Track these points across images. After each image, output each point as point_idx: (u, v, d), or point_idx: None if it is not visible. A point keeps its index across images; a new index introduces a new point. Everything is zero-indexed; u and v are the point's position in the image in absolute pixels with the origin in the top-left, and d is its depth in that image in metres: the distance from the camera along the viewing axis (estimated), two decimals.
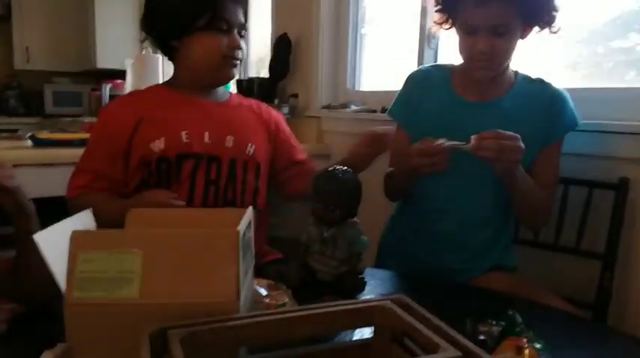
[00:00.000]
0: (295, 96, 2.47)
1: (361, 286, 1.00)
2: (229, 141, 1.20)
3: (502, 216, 1.28)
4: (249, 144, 1.22)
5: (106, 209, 1.05)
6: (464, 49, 1.18)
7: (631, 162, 1.26)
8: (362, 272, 1.03)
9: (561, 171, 1.30)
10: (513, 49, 1.17)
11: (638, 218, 1.27)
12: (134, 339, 0.55)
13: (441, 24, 1.22)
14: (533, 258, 1.42)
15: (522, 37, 1.17)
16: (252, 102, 1.36)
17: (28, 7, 4.03)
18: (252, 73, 3.03)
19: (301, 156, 1.35)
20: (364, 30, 2.37)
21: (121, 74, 2.83)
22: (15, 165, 1.01)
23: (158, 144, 1.13)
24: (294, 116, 2.42)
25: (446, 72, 1.30)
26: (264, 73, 2.56)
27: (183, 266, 0.64)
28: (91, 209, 0.89)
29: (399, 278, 1.14)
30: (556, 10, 1.15)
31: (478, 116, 1.21)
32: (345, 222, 1.01)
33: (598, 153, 1.33)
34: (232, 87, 2.67)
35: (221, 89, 1.29)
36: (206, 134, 1.17)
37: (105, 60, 3.77)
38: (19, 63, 4.11)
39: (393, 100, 1.38)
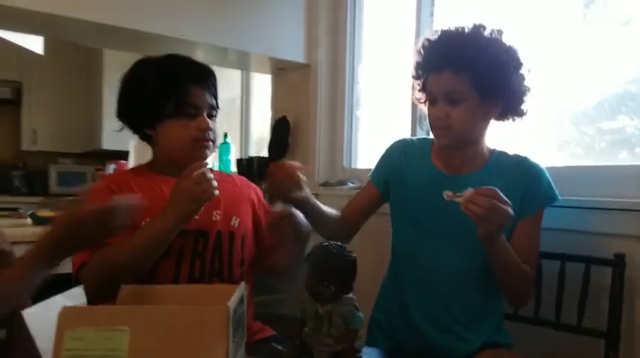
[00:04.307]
0: None
1: None
2: (216, 215, 1.22)
3: (490, 286, 1.26)
4: (234, 217, 1.24)
5: (128, 246, 1.05)
6: (428, 118, 1.23)
7: (626, 238, 1.26)
8: (359, 351, 1.00)
9: (557, 247, 1.30)
10: (472, 121, 1.19)
11: (636, 293, 1.25)
12: None
13: (422, 102, 1.28)
14: (534, 336, 1.38)
15: (487, 116, 1.21)
16: (233, 176, 1.40)
17: (38, 91, 4.22)
18: (253, 153, 3.11)
19: None
20: (359, 112, 2.48)
21: (124, 155, 2.91)
22: (15, 243, 1.02)
23: None
24: None
25: (427, 143, 1.35)
26: (265, 153, 2.64)
27: (171, 343, 0.62)
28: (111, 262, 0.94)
29: (395, 357, 1.11)
30: (517, 89, 1.19)
31: (449, 187, 1.23)
32: (340, 297, 0.99)
33: (593, 229, 1.33)
34: (233, 166, 2.73)
35: None
36: None
37: (110, 141, 3.89)
38: (25, 144, 4.24)
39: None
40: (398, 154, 1.36)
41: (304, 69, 2.53)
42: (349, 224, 1.37)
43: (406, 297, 1.28)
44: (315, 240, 1.11)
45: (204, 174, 1.05)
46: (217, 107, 1.25)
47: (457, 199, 1.03)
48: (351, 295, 1.01)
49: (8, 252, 0.99)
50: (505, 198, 1.02)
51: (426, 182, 1.28)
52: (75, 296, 0.77)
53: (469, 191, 1.02)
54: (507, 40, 1.18)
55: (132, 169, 1.37)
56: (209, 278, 1.17)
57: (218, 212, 1.22)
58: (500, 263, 1.14)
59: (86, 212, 0.92)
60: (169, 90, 1.17)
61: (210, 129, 1.20)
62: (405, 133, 2.04)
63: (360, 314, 1.00)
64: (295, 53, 2.49)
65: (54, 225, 0.93)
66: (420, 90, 1.28)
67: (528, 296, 1.25)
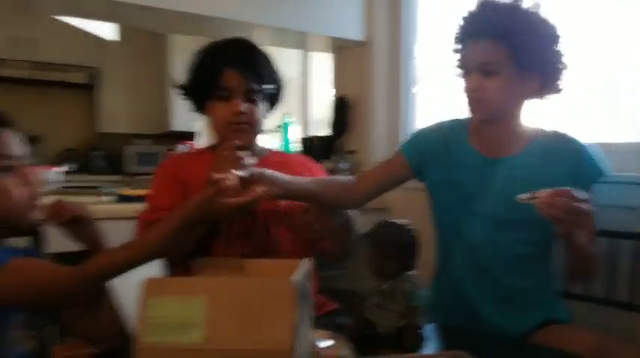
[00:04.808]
0: (353, 152, 2.54)
1: (421, 341, 0.98)
2: None
3: (543, 265, 1.24)
4: None
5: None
6: (463, 90, 1.19)
7: None
8: (422, 327, 1.02)
9: (609, 224, 1.26)
10: (508, 95, 1.15)
11: None
12: None
13: (461, 76, 1.24)
14: (586, 313, 1.35)
15: (523, 91, 1.16)
16: (290, 156, 1.41)
17: (113, 77, 4.45)
18: (315, 132, 3.15)
19: None
20: (416, 89, 2.45)
21: (194, 135, 3.06)
22: (96, 220, 1.11)
23: None
24: (351, 171, 2.47)
25: (462, 125, 1.31)
26: (327, 132, 2.68)
27: (242, 312, 0.66)
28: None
29: (458, 334, 1.11)
30: (555, 64, 1.14)
31: (493, 171, 1.20)
32: (402, 274, 1.01)
33: None
34: (295, 145, 2.79)
35: (257, 147, 1.33)
36: None
37: (179, 123, 4.06)
38: (103, 126, 4.50)
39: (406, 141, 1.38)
40: (437, 137, 1.32)
41: (363, 47, 2.51)
42: (360, 192, 1.31)
43: (457, 278, 1.27)
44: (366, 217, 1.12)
45: (233, 153, 1.06)
46: (263, 90, 1.24)
47: (532, 202, 1.00)
48: (413, 272, 1.03)
49: (89, 220, 1.06)
50: (582, 197, 0.98)
51: (469, 167, 1.25)
52: (157, 268, 0.84)
53: (544, 192, 0.99)
54: (546, 14, 1.14)
55: (198, 150, 1.43)
56: (258, 257, 1.18)
57: None
58: (578, 255, 1.11)
59: (230, 203, 0.95)
60: (205, 74, 1.22)
61: (243, 113, 1.20)
62: (464, 112, 1.99)
63: (423, 291, 1.02)
64: (353, 31, 2.47)
65: (195, 202, 0.96)
66: (458, 66, 1.24)
67: (598, 275, 1.23)
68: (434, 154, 1.31)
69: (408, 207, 2.07)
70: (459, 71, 1.23)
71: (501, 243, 1.21)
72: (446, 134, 1.32)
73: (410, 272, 1.02)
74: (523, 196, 1.02)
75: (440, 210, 1.33)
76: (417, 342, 0.97)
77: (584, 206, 0.97)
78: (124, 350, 0.73)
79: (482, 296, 1.24)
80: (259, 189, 0.98)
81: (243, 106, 1.21)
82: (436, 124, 1.36)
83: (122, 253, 0.90)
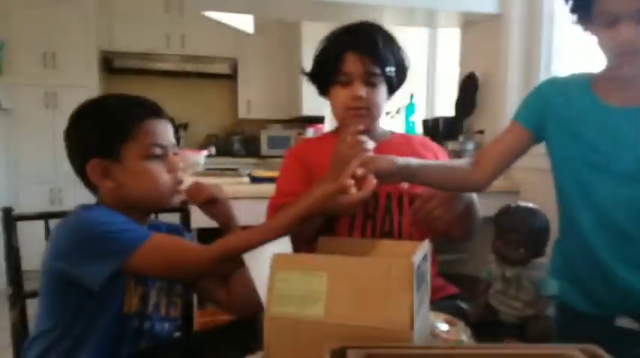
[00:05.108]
0: (481, 132, 2.42)
1: (548, 333, 0.93)
2: None
3: None
4: None
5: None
6: (605, 44, 1.06)
7: None
8: (550, 318, 0.97)
9: None
10: None
11: None
12: (318, 354, 0.60)
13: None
14: None
15: None
16: (412, 137, 1.39)
17: (250, 66, 4.78)
18: (440, 113, 3.06)
19: None
20: (554, 67, 2.23)
21: (323, 119, 3.18)
22: (234, 198, 1.21)
23: None
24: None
25: (584, 78, 1.18)
26: (453, 112, 2.58)
27: (360, 290, 0.69)
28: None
29: (585, 322, 1.03)
30: None
31: (628, 122, 1.08)
32: (530, 262, 0.96)
33: None
34: (418, 126, 2.74)
35: (380, 130, 1.33)
36: None
37: (310, 108, 4.24)
38: (242, 113, 4.87)
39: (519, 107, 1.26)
40: (554, 93, 1.20)
41: (495, 20, 2.36)
42: (483, 174, 1.22)
43: (587, 244, 1.16)
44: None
45: (355, 138, 1.08)
46: (384, 74, 1.23)
47: None
48: (543, 259, 0.98)
49: (223, 201, 1.15)
50: None
51: (597, 121, 1.13)
52: (283, 245, 0.91)
53: None
54: None
55: (324, 134, 1.49)
56: (380, 238, 1.19)
57: None
58: None
59: (350, 199, 0.96)
60: (327, 59, 1.24)
61: (362, 98, 1.20)
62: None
63: (554, 280, 0.96)
64: (486, 4, 2.33)
65: (318, 196, 0.97)
66: (601, 19, 1.07)
67: None
68: (553, 112, 1.20)
69: (539, 189, 1.94)
70: (602, 25, 1.11)
71: (637, 201, 1.09)
72: (564, 89, 1.21)
73: (538, 260, 0.97)
74: None
75: (564, 172, 1.22)
76: (543, 335, 0.92)
77: None
78: (256, 319, 0.80)
79: (618, 261, 1.12)
80: (375, 181, 0.97)
81: (362, 91, 1.21)
82: (553, 80, 1.26)
83: (250, 236, 0.98)
